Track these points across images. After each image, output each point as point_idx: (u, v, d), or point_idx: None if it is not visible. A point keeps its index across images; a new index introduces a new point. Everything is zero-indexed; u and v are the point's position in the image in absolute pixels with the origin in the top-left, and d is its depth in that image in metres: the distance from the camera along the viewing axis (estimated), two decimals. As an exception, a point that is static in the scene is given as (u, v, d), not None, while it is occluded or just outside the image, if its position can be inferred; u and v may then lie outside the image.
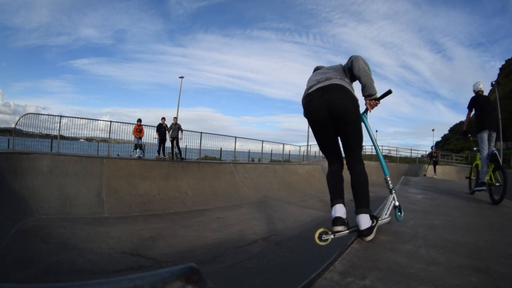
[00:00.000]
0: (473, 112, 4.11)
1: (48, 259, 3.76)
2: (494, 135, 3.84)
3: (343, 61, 1.96)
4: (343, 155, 1.88)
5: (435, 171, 14.18)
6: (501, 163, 3.55)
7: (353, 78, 1.83)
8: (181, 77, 17.31)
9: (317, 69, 2.08)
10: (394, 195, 1.96)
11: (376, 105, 1.76)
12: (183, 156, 11.35)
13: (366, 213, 1.67)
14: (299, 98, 1.89)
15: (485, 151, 3.74)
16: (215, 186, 9.41)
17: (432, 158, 14.19)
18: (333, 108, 1.64)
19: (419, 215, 2.58)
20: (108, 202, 6.72)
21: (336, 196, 1.76)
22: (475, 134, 4.04)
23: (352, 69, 1.78)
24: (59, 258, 3.81)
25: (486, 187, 3.63)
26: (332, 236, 1.64)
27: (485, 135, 3.80)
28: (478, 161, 4.14)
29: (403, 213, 1.99)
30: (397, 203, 1.96)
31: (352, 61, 1.79)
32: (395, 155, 25.49)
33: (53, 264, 3.61)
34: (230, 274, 3.65)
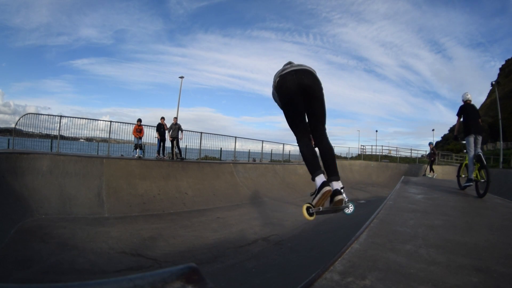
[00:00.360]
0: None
1: (48, 259, 3.76)
2: (479, 138, 4.35)
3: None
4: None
5: (432, 170, 13.36)
6: (485, 162, 4.10)
7: None
8: (181, 77, 17.30)
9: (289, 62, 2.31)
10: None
11: None
12: (183, 156, 11.35)
13: (337, 180, 1.92)
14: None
15: (471, 153, 4.31)
16: (215, 186, 9.41)
17: (430, 157, 13.39)
18: (304, 85, 1.94)
19: (419, 215, 2.58)
20: (108, 202, 6.72)
21: (318, 167, 1.96)
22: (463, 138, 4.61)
23: None
24: (59, 258, 3.81)
25: (473, 183, 4.27)
26: (319, 208, 1.83)
27: (471, 139, 4.34)
28: (467, 161, 4.64)
29: (351, 206, 1.98)
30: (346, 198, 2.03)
31: None
32: (395, 155, 25.48)
33: (53, 264, 3.61)
34: (230, 274, 3.65)
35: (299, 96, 1.97)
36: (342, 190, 1.90)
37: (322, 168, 1.97)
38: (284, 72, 2.03)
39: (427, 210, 2.85)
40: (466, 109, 4.59)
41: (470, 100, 4.68)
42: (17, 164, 6.37)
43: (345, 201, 1.89)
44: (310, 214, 1.89)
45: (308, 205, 1.92)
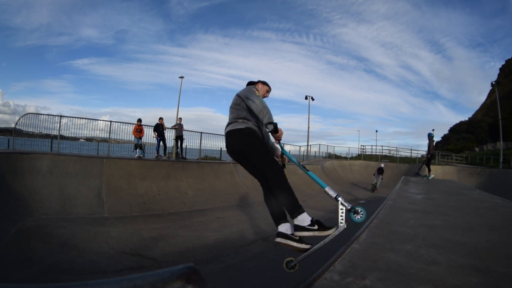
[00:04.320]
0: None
1: (48, 259, 3.76)
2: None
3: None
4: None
5: (429, 170, 10.11)
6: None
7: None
8: (181, 77, 17.28)
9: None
10: (341, 200, 1.89)
11: (279, 138, 2.06)
12: (184, 155, 11.36)
13: (284, 223, 1.94)
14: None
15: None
16: (215, 186, 9.40)
17: (428, 153, 10.09)
18: (234, 149, 2.09)
19: (419, 215, 2.58)
20: (108, 202, 6.72)
21: (280, 216, 1.97)
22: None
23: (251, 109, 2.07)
24: (59, 258, 3.81)
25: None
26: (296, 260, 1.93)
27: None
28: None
29: (361, 212, 1.84)
30: (348, 207, 1.89)
31: (248, 103, 2.06)
32: (395, 155, 25.46)
33: (53, 264, 3.61)
34: (230, 274, 3.65)
35: (237, 157, 2.12)
36: (287, 231, 1.89)
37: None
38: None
39: (427, 210, 2.85)
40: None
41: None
42: (17, 164, 6.37)
43: (299, 245, 1.87)
44: (291, 268, 1.98)
45: (289, 259, 2.00)
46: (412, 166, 19.85)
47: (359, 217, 1.82)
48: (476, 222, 2.41)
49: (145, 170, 8.35)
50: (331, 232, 1.79)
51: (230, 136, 2.08)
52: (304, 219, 1.82)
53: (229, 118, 2.15)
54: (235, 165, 11.43)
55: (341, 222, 1.86)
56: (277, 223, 1.93)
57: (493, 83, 21.39)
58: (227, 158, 13.88)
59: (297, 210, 1.83)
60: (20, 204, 5.56)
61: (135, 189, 7.53)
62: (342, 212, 1.86)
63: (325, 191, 1.94)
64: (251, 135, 2.03)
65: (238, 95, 2.18)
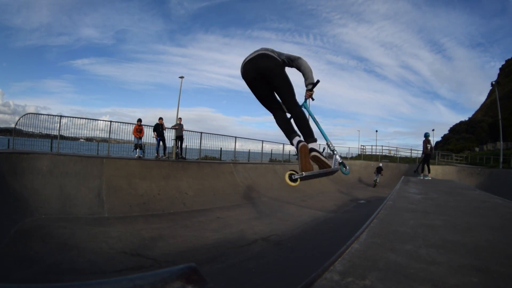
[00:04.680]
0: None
1: (48, 259, 3.76)
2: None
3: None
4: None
5: (429, 169, 9.70)
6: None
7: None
8: (181, 77, 17.26)
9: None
10: (336, 154, 2.40)
11: (311, 95, 2.36)
12: (183, 155, 11.35)
13: (313, 142, 2.13)
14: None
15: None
16: (215, 186, 9.40)
17: (423, 153, 9.86)
18: (260, 69, 2.11)
19: (419, 215, 2.58)
20: (108, 202, 6.72)
21: (292, 132, 2.18)
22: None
23: (294, 63, 2.27)
24: (59, 258, 3.81)
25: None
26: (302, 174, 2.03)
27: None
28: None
29: (347, 167, 2.37)
30: (340, 160, 2.34)
31: (297, 60, 2.27)
32: (395, 155, 25.46)
33: (53, 264, 3.61)
34: (230, 274, 3.65)
35: (259, 80, 2.15)
36: (320, 148, 2.10)
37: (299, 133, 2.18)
38: (243, 62, 2.21)
39: (427, 210, 2.85)
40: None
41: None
42: (17, 164, 6.37)
43: (327, 161, 2.09)
44: (293, 180, 2.03)
45: (291, 172, 2.07)
46: (412, 166, 19.87)
47: (345, 169, 2.34)
48: (476, 222, 2.41)
49: (145, 170, 8.35)
50: (331, 164, 2.17)
51: (264, 57, 2.14)
52: (316, 145, 2.12)
53: (253, 51, 2.22)
54: (235, 165, 11.43)
55: (335, 164, 2.33)
56: (306, 141, 2.09)
57: (493, 83, 21.41)
58: (227, 158, 13.88)
59: (314, 138, 2.14)
60: (20, 204, 5.56)
61: (135, 189, 7.53)
62: (336, 161, 2.35)
63: (327, 144, 2.37)
64: (278, 61, 2.19)
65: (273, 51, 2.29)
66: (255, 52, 2.22)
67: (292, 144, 2.11)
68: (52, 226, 5.13)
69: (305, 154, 1.99)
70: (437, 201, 3.63)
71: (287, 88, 2.16)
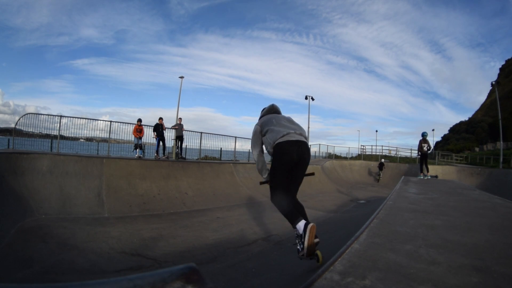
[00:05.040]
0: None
1: (48, 259, 3.76)
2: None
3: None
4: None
5: (427, 168, 9.58)
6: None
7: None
8: (181, 77, 17.26)
9: (273, 109, 2.69)
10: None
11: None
12: (183, 155, 11.35)
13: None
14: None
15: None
16: (215, 186, 9.40)
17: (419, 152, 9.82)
18: (304, 158, 2.29)
19: (419, 215, 2.58)
20: (108, 202, 6.72)
21: (298, 215, 2.31)
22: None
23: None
24: (59, 258, 3.81)
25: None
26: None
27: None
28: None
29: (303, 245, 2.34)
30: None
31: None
32: (395, 155, 25.47)
33: (53, 264, 3.61)
34: (230, 274, 3.65)
35: (295, 164, 2.29)
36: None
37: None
38: (289, 139, 2.26)
39: (427, 210, 2.85)
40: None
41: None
42: (17, 164, 6.37)
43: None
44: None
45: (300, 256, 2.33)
46: (412, 166, 19.87)
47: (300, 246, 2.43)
48: (476, 222, 2.41)
49: (145, 170, 8.35)
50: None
51: (307, 147, 2.37)
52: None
53: (293, 129, 2.38)
54: (235, 165, 11.43)
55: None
56: (306, 223, 2.21)
57: (493, 83, 21.40)
58: (227, 158, 13.88)
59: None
60: (20, 204, 5.56)
61: (135, 189, 7.53)
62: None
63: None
64: None
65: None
66: (298, 134, 2.33)
67: (295, 226, 2.23)
68: (52, 226, 5.13)
69: (314, 232, 2.17)
70: (437, 201, 3.63)
71: (302, 179, 2.43)
